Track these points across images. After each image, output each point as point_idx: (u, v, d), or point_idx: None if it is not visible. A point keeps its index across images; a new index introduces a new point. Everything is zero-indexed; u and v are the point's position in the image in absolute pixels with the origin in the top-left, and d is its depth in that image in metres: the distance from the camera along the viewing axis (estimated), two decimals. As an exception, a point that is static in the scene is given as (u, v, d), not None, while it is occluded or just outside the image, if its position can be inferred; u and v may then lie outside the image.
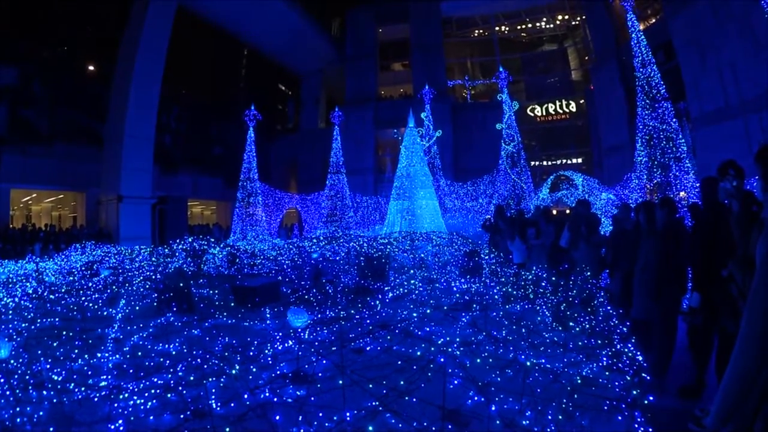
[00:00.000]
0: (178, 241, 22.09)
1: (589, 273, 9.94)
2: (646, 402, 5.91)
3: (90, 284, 16.26)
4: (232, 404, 6.70)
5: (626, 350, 7.30)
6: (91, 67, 45.08)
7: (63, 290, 15.29)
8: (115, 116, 36.47)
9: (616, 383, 6.67)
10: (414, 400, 6.55)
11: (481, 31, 64.29)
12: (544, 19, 61.91)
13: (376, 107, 56.37)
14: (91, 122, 41.22)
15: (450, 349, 7.10)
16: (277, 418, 6.34)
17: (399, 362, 8.04)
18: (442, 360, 6.54)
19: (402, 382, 7.05)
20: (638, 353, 7.16)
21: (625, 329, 7.82)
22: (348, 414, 6.21)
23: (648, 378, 6.55)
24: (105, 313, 12.87)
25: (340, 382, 6.79)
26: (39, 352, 8.76)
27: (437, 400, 6.11)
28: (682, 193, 22.55)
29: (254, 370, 7.83)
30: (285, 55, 60.88)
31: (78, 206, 43.83)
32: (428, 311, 10.10)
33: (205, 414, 6.32)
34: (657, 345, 7.83)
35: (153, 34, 36.24)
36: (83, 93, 41.56)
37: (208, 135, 54.38)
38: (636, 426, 5.55)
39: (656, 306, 7.81)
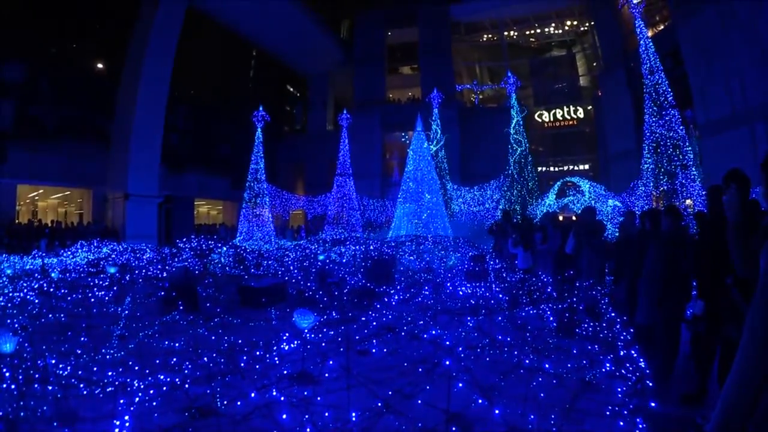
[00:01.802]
0: (184, 240, 22.16)
1: (593, 280, 9.98)
2: (648, 407, 5.95)
3: (96, 281, 16.30)
4: (238, 403, 6.73)
5: (629, 356, 7.34)
6: (99, 65, 45.14)
7: (69, 286, 15.33)
8: (123, 115, 36.57)
9: (619, 389, 6.71)
10: (419, 402, 6.60)
11: (489, 35, 64.26)
12: (553, 25, 61.89)
13: (383, 110, 56.45)
14: (98, 120, 41.23)
15: (456, 352, 7.13)
16: (284, 416, 6.38)
17: (405, 364, 8.08)
18: (447, 363, 6.56)
19: (408, 384, 7.09)
20: (641, 360, 7.19)
21: (628, 336, 7.85)
22: (354, 414, 6.26)
23: (650, 384, 6.58)
24: (111, 310, 12.91)
25: (347, 385, 6.83)
26: (44, 347, 8.78)
27: (442, 403, 6.15)
28: (688, 201, 22.55)
29: (260, 369, 7.87)
30: (293, 56, 60.98)
31: (84, 203, 43.88)
32: (434, 315, 10.14)
33: (210, 412, 6.35)
34: (660, 351, 7.85)
35: (162, 34, 36.32)
36: (91, 90, 41.51)
37: (216, 135, 54.34)
38: (637, 431, 5.58)
39: (660, 312, 7.84)
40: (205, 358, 8.10)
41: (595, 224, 11.54)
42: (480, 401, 6.52)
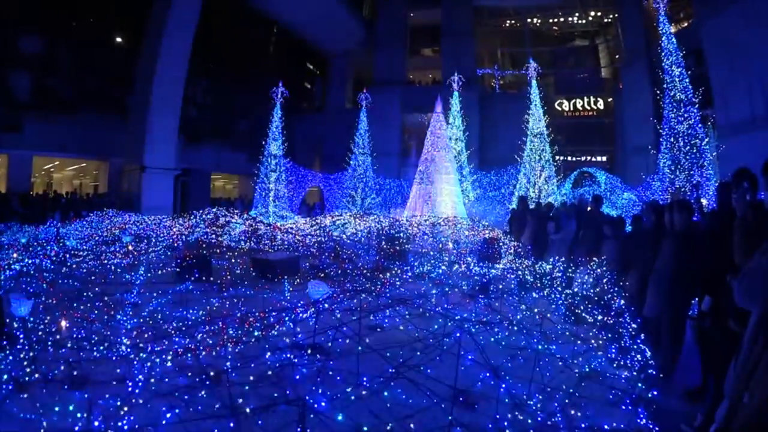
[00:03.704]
0: (200, 211, 22.28)
1: (604, 269, 10.09)
2: (650, 396, 6.04)
3: (111, 250, 16.45)
4: (252, 365, 6.87)
5: (635, 346, 7.44)
6: (118, 37, 45.05)
7: (84, 254, 15.46)
8: (142, 87, 36.53)
9: (623, 377, 6.82)
10: (429, 371, 6.71)
11: (512, 21, 63.91)
12: (577, 14, 61.34)
13: (404, 91, 56.34)
14: (116, 91, 41.33)
15: (467, 326, 7.21)
16: (297, 377, 6.51)
17: (416, 334, 8.20)
18: (458, 335, 6.65)
19: (418, 353, 7.21)
20: (646, 350, 7.29)
21: (635, 326, 7.95)
22: (365, 378, 6.38)
23: (654, 375, 6.68)
24: (125, 278, 13.06)
25: (360, 348, 6.94)
26: (57, 313, 8.92)
27: (449, 378, 6.24)
28: (703, 201, 22.52)
29: (275, 334, 8.00)
30: (315, 33, 60.56)
31: (100, 175, 44.13)
32: (447, 290, 10.23)
33: (221, 377, 6.47)
34: (665, 344, 7.94)
35: (183, 7, 36.20)
36: (109, 62, 41.55)
37: (234, 109, 54.32)
38: (638, 420, 5.68)
39: (667, 306, 7.92)
40: (220, 323, 8.21)
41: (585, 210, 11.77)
42: (488, 374, 6.62)
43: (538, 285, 10.68)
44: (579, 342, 8.30)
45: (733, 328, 5.24)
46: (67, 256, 14.91)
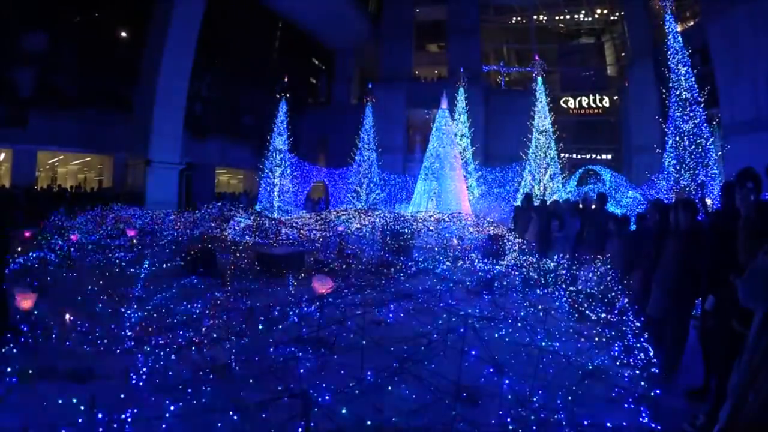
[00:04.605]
0: (205, 206, 22.30)
1: (610, 268, 10.11)
2: (652, 395, 6.05)
3: (116, 244, 16.48)
4: (256, 359, 6.88)
5: (638, 345, 7.45)
6: (122, 31, 44.94)
7: (89, 248, 15.49)
8: (147, 82, 36.51)
9: (626, 375, 6.83)
10: (432, 366, 6.72)
11: (518, 18, 63.74)
12: (583, 12, 61.08)
13: (409, 87, 56.08)
14: (121, 86, 41.20)
15: (471, 321, 7.21)
16: (301, 371, 6.52)
17: (420, 329, 8.21)
18: (462, 330, 6.65)
19: (422, 348, 7.21)
20: (649, 348, 7.30)
21: (639, 325, 7.96)
22: (369, 373, 6.39)
23: (657, 374, 6.70)
24: (130, 271, 13.10)
25: (364, 342, 6.95)
26: (61, 307, 8.93)
27: (453, 373, 6.25)
28: (708, 200, 22.49)
29: (279, 328, 8.01)
30: (320, 29, 60.51)
31: (104, 169, 44.23)
32: (451, 285, 10.24)
33: (225, 371, 6.49)
34: (668, 343, 7.94)
35: (188, 2, 36.18)
36: (114, 57, 41.41)
37: (239, 104, 54.16)
38: (640, 419, 5.69)
39: (671, 305, 7.91)
40: (225, 317, 8.22)
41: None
42: (491, 369, 6.63)
43: (542, 282, 10.71)
44: (582, 339, 8.31)
45: (737, 328, 5.25)
46: (72, 249, 14.95)
